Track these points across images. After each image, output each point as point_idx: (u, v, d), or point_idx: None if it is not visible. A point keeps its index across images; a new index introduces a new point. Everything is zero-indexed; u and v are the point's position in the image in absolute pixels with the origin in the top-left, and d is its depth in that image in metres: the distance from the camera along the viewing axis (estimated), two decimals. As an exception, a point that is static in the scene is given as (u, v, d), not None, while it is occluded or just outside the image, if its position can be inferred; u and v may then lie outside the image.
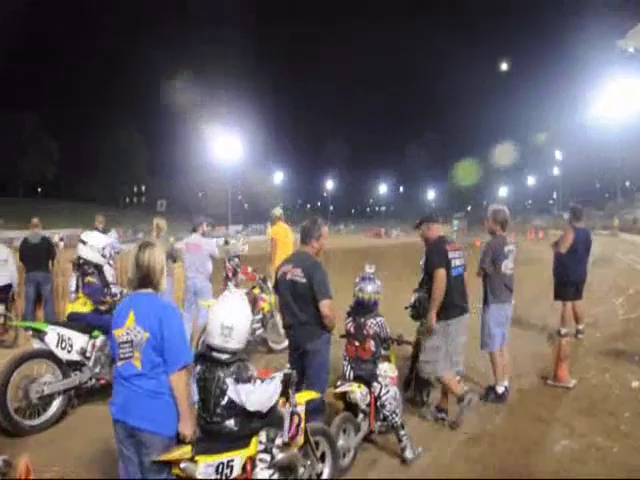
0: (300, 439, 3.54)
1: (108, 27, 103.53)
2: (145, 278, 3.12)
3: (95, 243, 5.68)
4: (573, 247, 7.91)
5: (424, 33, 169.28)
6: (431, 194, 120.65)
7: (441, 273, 4.85)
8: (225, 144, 63.45)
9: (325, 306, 4.24)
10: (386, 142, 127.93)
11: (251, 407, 3.21)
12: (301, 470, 3.61)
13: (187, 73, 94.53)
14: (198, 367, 3.26)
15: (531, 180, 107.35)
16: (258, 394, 3.23)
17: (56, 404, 5.07)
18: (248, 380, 3.23)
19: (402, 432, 4.37)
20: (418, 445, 4.44)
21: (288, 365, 3.85)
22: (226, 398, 3.18)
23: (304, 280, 4.31)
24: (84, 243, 5.66)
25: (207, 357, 3.25)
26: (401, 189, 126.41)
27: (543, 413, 5.24)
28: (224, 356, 3.24)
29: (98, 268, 5.67)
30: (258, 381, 3.34)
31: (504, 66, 64.70)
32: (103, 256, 5.69)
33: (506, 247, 5.67)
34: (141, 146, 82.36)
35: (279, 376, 3.48)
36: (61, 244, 15.68)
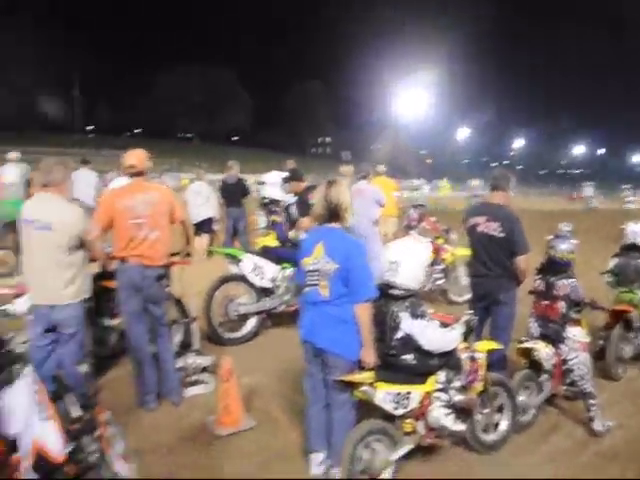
0: (478, 385, 3.50)
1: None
2: (332, 213, 3.25)
3: (274, 180, 6.07)
4: None
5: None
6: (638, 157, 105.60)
7: None
8: (411, 97, 62.49)
9: (523, 260, 4.15)
10: (586, 97, 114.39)
11: (426, 345, 3.26)
12: (478, 417, 3.60)
13: (374, 27, 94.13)
14: None
15: None
16: (433, 332, 3.28)
17: (250, 323, 5.65)
18: (421, 316, 3.30)
19: (592, 401, 4.05)
20: (609, 418, 4.10)
21: (469, 312, 3.77)
22: (401, 332, 3.27)
23: (502, 235, 4.17)
24: (263, 183, 6.09)
25: (382, 292, 3.34)
26: (602, 151, 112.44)
27: None
28: (396, 291, 3.33)
29: (282, 206, 6.05)
30: (436, 322, 3.38)
31: None
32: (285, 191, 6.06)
33: None
34: (327, 98, 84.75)
35: (460, 326, 3.46)
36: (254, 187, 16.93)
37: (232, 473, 3.37)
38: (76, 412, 2.09)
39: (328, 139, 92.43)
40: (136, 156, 4.05)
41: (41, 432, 1.76)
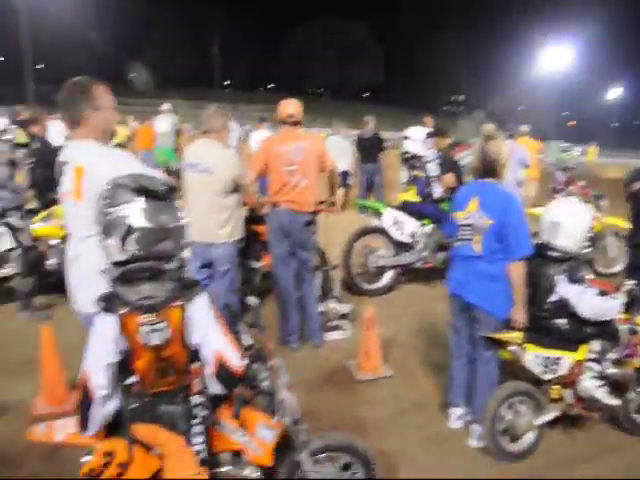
0: (636, 361, 3.28)
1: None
2: (489, 168, 3.14)
3: (417, 136, 5.95)
4: None
5: None
6: None
7: None
8: (554, 54, 57.32)
9: None
10: None
11: (583, 312, 3.09)
12: (632, 394, 3.37)
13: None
14: None
15: None
16: (591, 299, 3.10)
17: (387, 276, 5.72)
18: (580, 281, 3.13)
19: None
20: None
21: (631, 282, 3.49)
22: (555, 295, 3.14)
23: None
24: (407, 138, 5.99)
25: (540, 253, 3.20)
26: None
27: None
28: (555, 253, 3.18)
29: (423, 161, 5.94)
30: (594, 289, 3.18)
31: None
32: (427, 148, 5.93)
33: None
34: (461, 54, 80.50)
35: (622, 295, 3.25)
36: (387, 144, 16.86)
37: (369, 416, 3.49)
38: (247, 341, 2.24)
39: (461, 97, 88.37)
40: (294, 106, 4.17)
41: (220, 345, 1.90)
